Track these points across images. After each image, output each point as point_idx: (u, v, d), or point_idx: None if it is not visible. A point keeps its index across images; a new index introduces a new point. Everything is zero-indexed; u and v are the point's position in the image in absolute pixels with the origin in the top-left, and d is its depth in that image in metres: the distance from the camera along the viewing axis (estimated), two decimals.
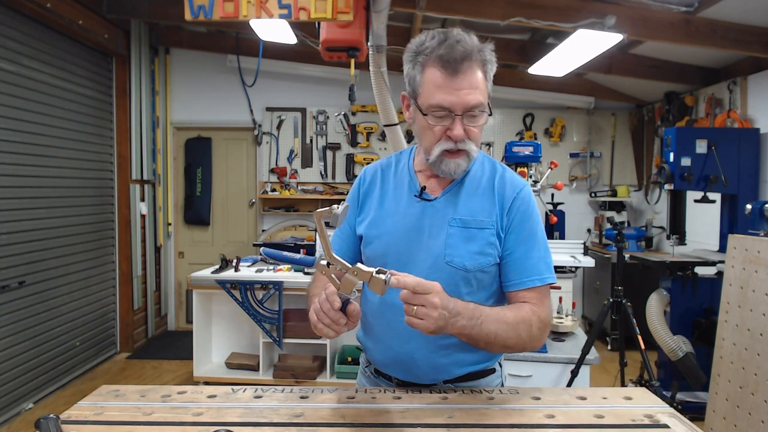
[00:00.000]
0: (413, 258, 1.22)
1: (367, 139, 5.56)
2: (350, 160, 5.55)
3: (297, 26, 4.05)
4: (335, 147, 5.59)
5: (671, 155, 3.63)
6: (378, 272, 0.97)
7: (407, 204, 1.27)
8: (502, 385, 1.35)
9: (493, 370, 1.33)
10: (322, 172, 5.59)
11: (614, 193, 5.50)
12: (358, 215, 1.33)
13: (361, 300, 1.31)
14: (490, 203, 1.24)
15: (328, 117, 5.58)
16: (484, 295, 1.24)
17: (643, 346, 2.83)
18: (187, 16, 2.51)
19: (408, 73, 1.19)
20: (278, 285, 3.71)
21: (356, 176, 1.49)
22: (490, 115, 1.18)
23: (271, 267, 4.03)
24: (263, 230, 5.60)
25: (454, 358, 1.24)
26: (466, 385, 1.26)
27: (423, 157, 1.24)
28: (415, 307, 0.99)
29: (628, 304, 2.94)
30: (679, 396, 3.26)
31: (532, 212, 1.25)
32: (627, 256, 3.88)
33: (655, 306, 3.38)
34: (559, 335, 2.72)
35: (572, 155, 5.64)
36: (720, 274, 3.29)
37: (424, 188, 1.25)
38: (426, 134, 1.18)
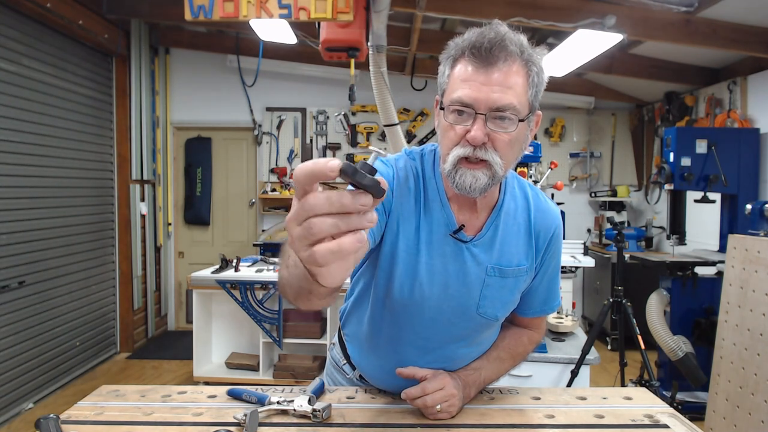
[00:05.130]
0: (437, 302, 1.08)
1: (367, 139, 5.56)
2: (350, 160, 5.55)
3: (297, 26, 4.05)
4: (335, 147, 5.59)
5: (671, 155, 3.63)
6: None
7: (440, 238, 1.07)
8: None
9: None
10: None
11: (614, 193, 5.50)
12: (387, 215, 1.06)
13: (361, 320, 1.19)
14: (526, 244, 1.12)
15: (328, 117, 5.58)
16: (498, 329, 1.24)
17: (643, 346, 2.83)
18: (187, 16, 2.51)
19: (439, 71, 1.01)
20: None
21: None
22: (526, 124, 0.98)
23: (271, 267, 4.03)
24: (263, 230, 5.59)
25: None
26: None
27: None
28: (439, 406, 1.05)
29: (628, 304, 2.93)
30: (679, 396, 3.26)
31: (560, 246, 1.20)
32: (627, 256, 3.88)
33: (655, 306, 3.38)
34: (559, 335, 2.71)
35: (572, 155, 5.64)
36: (720, 274, 3.29)
37: (462, 227, 1.06)
38: (444, 137, 0.99)
